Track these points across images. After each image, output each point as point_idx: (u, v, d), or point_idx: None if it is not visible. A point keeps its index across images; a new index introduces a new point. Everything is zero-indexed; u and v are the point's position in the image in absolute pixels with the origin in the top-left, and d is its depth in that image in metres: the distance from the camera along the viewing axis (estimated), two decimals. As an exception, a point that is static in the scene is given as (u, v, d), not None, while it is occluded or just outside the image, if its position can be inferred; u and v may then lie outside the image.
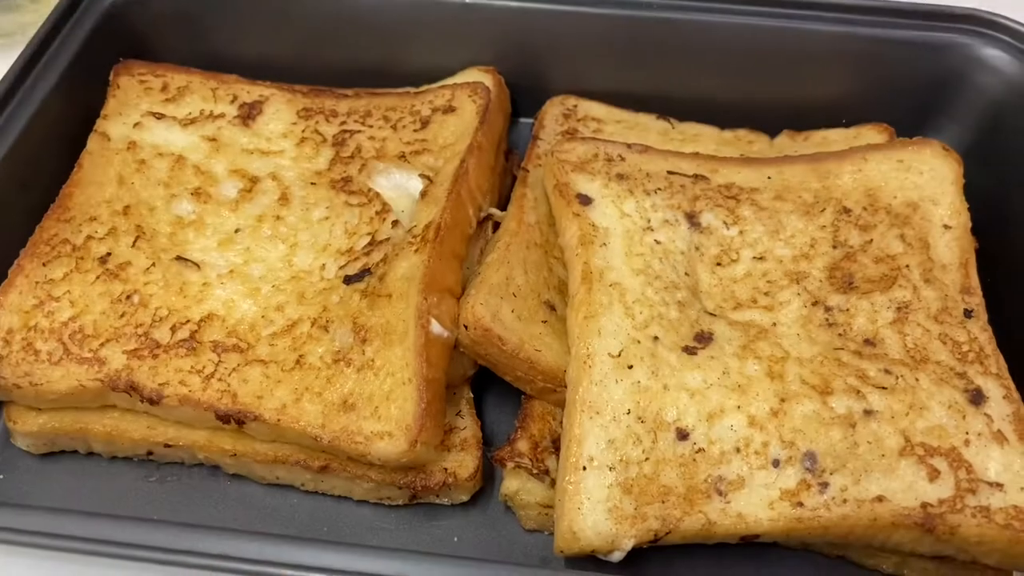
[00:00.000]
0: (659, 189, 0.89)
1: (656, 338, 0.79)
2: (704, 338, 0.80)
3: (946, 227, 0.87)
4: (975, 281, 0.85)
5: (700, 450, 0.75)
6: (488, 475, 0.86)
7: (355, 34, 1.10)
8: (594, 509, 0.73)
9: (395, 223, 0.91)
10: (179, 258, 0.88)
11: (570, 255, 0.86)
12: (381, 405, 0.78)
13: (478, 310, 0.82)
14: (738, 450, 0.74)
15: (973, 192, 0.90)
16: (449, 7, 1.07)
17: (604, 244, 0.84)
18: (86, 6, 1.06)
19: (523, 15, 1.05)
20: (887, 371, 0.78)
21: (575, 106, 1.08)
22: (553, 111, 1.07)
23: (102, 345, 0.83)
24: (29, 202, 0.94)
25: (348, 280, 0.87)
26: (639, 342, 0.79)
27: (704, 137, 1.05)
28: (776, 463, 0.74)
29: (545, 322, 0.85)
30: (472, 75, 1.06)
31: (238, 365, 0.82)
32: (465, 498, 0.84)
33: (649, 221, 0.87)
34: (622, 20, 1.04)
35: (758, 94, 1.07)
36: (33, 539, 0.72)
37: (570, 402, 0.77)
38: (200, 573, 0.70)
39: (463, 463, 0.83)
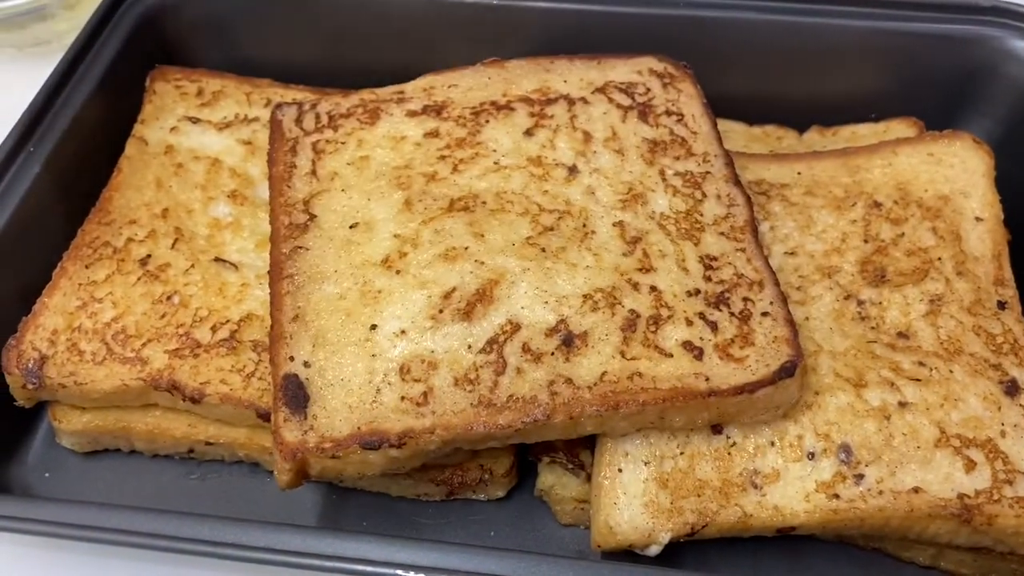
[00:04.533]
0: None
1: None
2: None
3: (978, 219, 0.87)
4: (1008, 273, 0.85)
5: (734, 444, 0.75)
6: (524, 470, 0.86)
7: (384, 36, 1.11)
8: (630, 504, 0.73)
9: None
10: (217, 259, 0.90)
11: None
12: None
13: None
14: (773, 443, 0.75)
15: (1005, 184, 0.90)
16: (476, 8, 1.08)
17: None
18: (121, 14, 1.08)
19: (551, 15, 1.06)
20: (921, 363, 0.78)
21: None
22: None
23: (144, 345, 0.84)
24: (70, 206, 0.96)
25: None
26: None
27: (733, 133, 1.06)
28: (811, 455, 0.74)
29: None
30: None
31: (277, 363, 0.83)
32: (501, 493, 0.85)
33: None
34: (651, 18, 1.05)
35: (787, 90, 1.07)
36: (80, 532, 0.73)
37: (605, 397, 0.78)
38: (244, 565, 0.71)
39: (499, 459, 0.83)
